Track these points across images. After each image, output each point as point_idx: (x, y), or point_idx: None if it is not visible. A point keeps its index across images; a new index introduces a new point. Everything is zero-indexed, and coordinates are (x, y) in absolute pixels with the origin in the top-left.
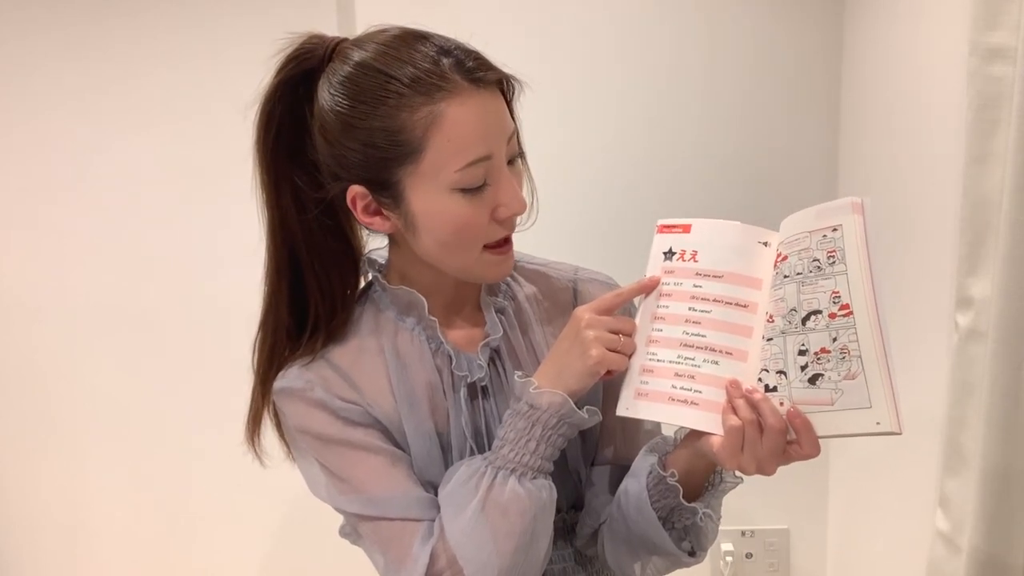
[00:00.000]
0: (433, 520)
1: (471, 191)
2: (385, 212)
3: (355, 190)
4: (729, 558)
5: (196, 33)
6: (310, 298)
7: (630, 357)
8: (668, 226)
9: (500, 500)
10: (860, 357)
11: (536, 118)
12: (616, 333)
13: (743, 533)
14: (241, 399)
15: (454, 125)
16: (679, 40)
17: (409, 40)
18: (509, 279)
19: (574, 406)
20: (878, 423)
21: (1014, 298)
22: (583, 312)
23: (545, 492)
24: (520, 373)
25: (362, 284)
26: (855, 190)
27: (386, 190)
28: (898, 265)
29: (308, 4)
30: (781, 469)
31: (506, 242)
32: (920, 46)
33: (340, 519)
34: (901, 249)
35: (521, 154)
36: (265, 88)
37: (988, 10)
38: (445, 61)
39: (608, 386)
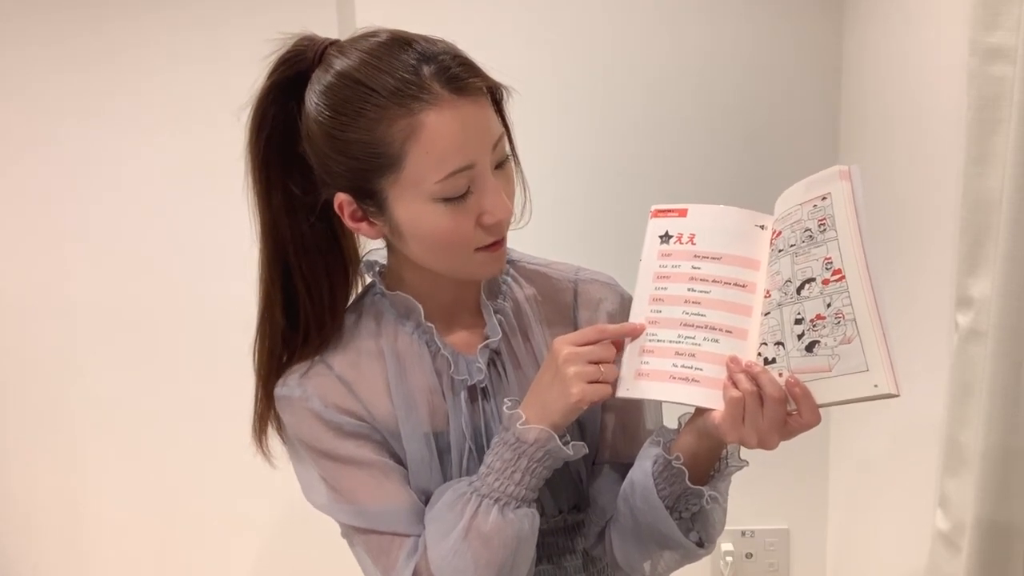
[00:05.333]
0: (419, 536)
1: (454, 200)
2: (371, 219)
3: (341, 197)
4: (729, 558)
5: (196, 34)
6: (300, 302)
7: (614, 388)
8: (663, 211)
9: (483, 529)
10: (855, 320)
11: (535, 115)
12: (597, 362)
13: (743, 533)
14: (241, 399)
15: (432, 137)
16: (679, 40)
17: (392, 48)
18: (509, 279)
19: (559, 443)
20: (876, 385)
21: (1014, 298)
22: (561, 346)
23: (527, 522)
24: (509, 402)
25: (360, 286)
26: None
27: (370, 199)
28: (898, 265)
29: (308, 4)
30: (781, 469)
31: (498, 243)
32: (920, 46)
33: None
34: (901, 249)
35: (513, 155)
36: (257, 91)
37: (988, 10)
38: (426, 70)
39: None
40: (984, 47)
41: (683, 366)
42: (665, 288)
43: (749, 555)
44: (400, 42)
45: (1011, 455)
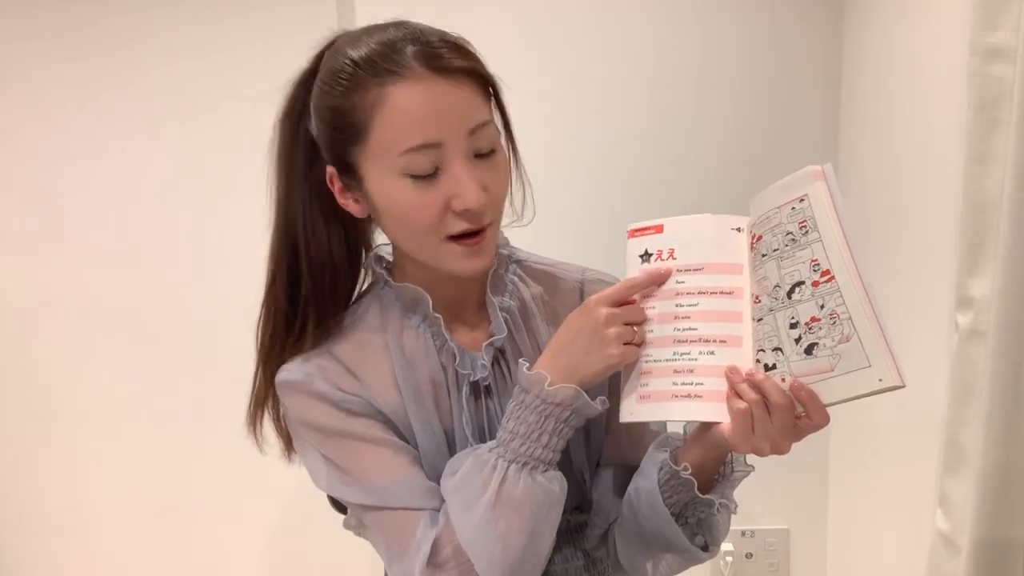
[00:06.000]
0: (435, 509)
1: (421, 178)
2: (354, 193)
3: (330, 171)
4: (729, 558)
5: (195, 29)
6: (303, 286)
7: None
8: (639, 229)
9: (513, 495)
10: (850, 319)
11: (534, 114)
12: (629, 324)
13: (743, 533)
14: (240, 398)
15: (397, 108)
16: (679, 40)
17: (389, 28)
18: (515, 278)
19: (588, 400)
20: (880, 380)
21: (1014, 298)
22: (600, 308)
23: (556, 485)
24: (526, 364)
25: (367, 279)
26: (855, 190)
27: (348, 171)
28: (898, 265)
29: (309, 3)
30: (781, 469)
31: (475, 235)
32: (920, 46)
33: (339, 515)
34: (901, 249)
35: (512, 151)
36: (295, 77)
37: (988, 10)
38: (410, 48)
39: (614, 376)
40: (984, 47)
41: (683, 383)
42: (653, 307)
43: (749, 555)
44: (399, 24)
45: (1011, 455)
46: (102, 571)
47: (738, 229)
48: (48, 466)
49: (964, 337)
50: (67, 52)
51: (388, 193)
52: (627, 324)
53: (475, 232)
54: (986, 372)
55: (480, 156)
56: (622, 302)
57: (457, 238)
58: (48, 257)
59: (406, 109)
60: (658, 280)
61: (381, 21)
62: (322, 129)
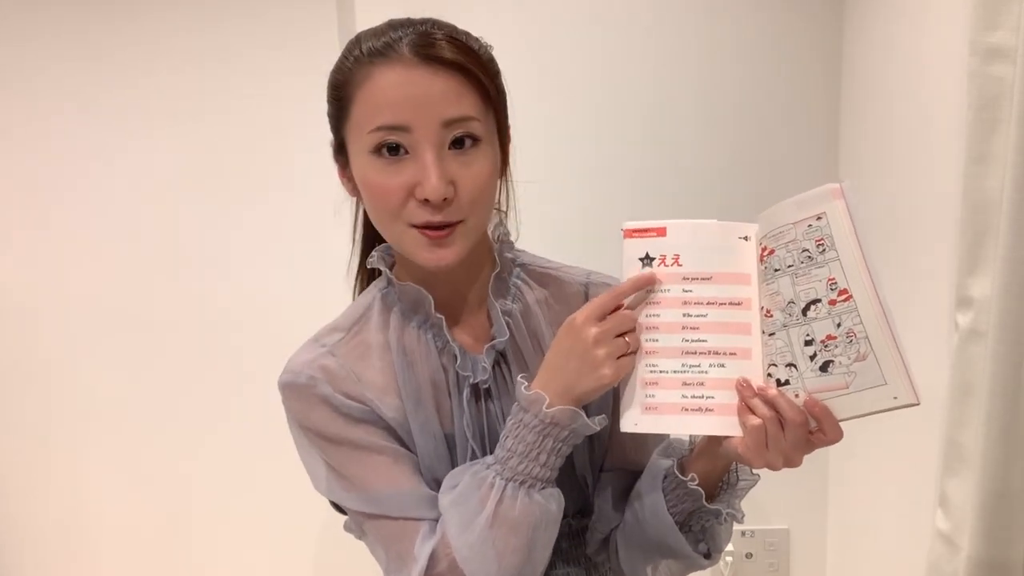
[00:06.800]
0: (434, 520)
1: (386, 159)
2: (347, 172)
3: (332, 148)
4: (729, 558)
5: (198, 34)
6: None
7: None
8: (638, 230)
9: (511, 515)
10: (867, 338)
11: (532, 116)
12: (620, 335)
13: (743, 533)
14: (241, 399)
15: (375, 87)
16: (678, 40)
17: (413, 21)
18: (519, 281)
19: (586, 419)
20: (895, 397)
21: (1014, 298)
22: (588, 327)
23: (554, 502)
24: (524, 383)
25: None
26: (855, 190)
27: (340, 149)
28: (898, 265)
29: (309, 3)
30: (781, 470)
31: (440, 228)
32: (920, 46)
33: (340, 518)
34: (901, 249)
35: (503, 157)
36: None
37: (988, 10)
38: (405, 35)
39: (617, 388)
40: (984, 47)
41: (693, 396)
42: (658, 315)
43: (749, 555)
44: (425, 21)
45: (1011, 455)
46: (102, 571)
47: (745, 238)
48: (48, 466)
49: (964, 337)
50: (69, 54)
51: (361, 172)
52: (619, 335)
53: (439, 226)
54: (986, 372)
55: (457, 151)
56: (610, 312)
57: (419, 227)
58: (49, 257)
59: (382, 88)
60: (645, 285)
61: (384, 21)
62: (328, 109)
